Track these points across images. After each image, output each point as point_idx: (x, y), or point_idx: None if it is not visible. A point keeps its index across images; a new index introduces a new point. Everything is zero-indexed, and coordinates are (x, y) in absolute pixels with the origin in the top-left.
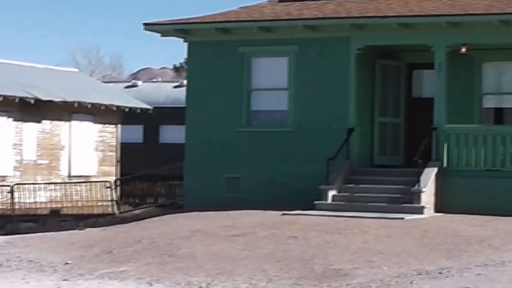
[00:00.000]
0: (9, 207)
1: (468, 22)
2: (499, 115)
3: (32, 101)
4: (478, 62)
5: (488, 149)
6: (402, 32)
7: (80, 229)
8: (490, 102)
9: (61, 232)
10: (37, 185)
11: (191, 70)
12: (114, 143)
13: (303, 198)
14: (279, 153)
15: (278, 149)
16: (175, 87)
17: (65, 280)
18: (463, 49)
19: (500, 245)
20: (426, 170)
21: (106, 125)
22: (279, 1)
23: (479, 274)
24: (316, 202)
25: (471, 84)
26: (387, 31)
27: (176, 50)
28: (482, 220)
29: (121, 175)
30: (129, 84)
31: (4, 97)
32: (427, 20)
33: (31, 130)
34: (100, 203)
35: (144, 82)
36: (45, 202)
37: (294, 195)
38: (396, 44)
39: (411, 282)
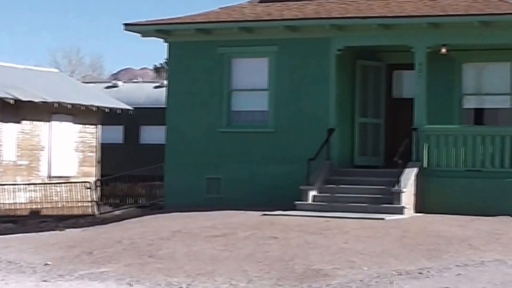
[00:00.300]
0: None
1: (448, 23)
2: (479, 115)
3: (12, 102)
4: (458, 63)
5: (468, 150)
6: (382, 32)
7: (60, 230)
8: (470, 103)
9: (41, 233)
10: (16, 186)
11: (171, 71)
12: (95, 144)
13: (283, 199)
14: (260, 154)
15: (259, 150)
16: (156, 87)
17: (45, 281)
18: (443, 50)
19: (480, 245)
20: (407, 170)
21: (86, 126)
22: (259, 2)
23: (459, 274)
24: (297, 202)
25: (451, 85)
26: (368, 31)
27: (157, 51)
28: (463, 220)
29: (102, 175)
30: (110, 84)
31: None
32: (407, 21)
33: (11, 131)
34: (80, 204)
35: (124, 82)
36: (25, 203)
37: (275, 195)
38: (377, 44)
39: (391, 283)
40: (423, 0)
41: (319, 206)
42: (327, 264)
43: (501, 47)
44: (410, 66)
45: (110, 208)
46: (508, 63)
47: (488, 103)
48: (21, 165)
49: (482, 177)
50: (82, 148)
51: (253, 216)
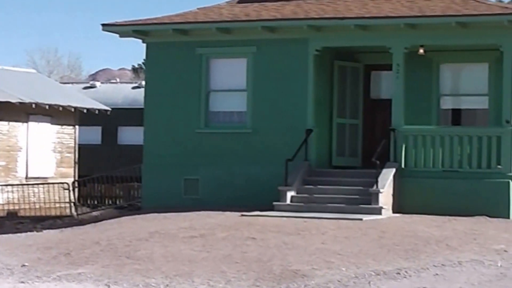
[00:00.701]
0: None
1: (425, 23)
2: (456, 116)
3: None
4: (436, 64)
5: (446, 150)
6: (360, 33)
7: (37, 231)
8: (447, 103)
9: (18, 234)
10: None
11: (149, 71)
12: (72, 145)
13: (262, 199)
14: (238, 154)
15: (237, 150)
16: (134, 88)
17: (22, 282)
18: (421, 51)
19: (457, 245)
20: (384, 171)
21: (64, 126)
22: (237, 2)
23: (437, 274)
24: (275, 203)
25: (429, 86)
26: (345, 32)
27: (135, 51)
28: (440, 220)
29: (79, 176)
30: (88, 85)
31: None
32: (385, 22)
33: None
34: (58, 205)
35: (102, 83)
36: (2, 204)
37: (253, 196)
38: (354, 45)
39: (369, 283)
40: (400, 1)
41: (297, 207)
42: (305, 265)
43: (479, 48)
44: (388, 67)
45: (88, 209)
46: (485, 64)
47: (466, 103)
48: None
49: (459, 178)
50: (60, 149)
51: (231, 217)
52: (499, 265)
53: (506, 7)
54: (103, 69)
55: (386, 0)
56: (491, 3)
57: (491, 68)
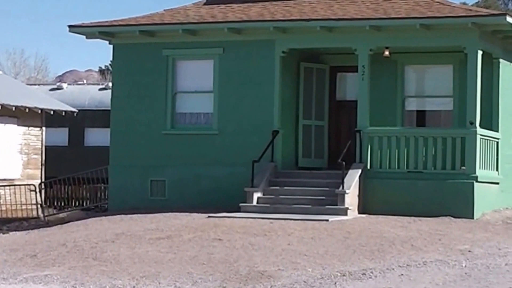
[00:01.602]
0: None
1: (390, 25)
2: (421, 117)
3: None
4: (401, 65)
5: (411, 151)
6: (326, 35)
7: (3, 233)
8: (412, 105)
9: None
10: None
11: (116, 73)
12: (39, 146)
13: (228, 201)
14: (205, 156)
15: (204, 152)
16: (101, 89)
17: None
18: (386, 52)
19: (422, 245)
20: (350, 172)
21: (31, 128)
22: (204, 4)
23: (402, 274)
24: (241, 204)
25: (394, 87)
26: (311, 34)
27: (102, 53)
28: (405, 221)
29: (46, 178)
30: (54, 86)
31: None
32: (350, 24)
33: None
34: (24, 207)
35: (69, 84)
36: None
37: (220, 197)
38: (320, 47)
39: (334, 283)
40: (365, 3)
41: (264, 208)
42: (271, 266)
43: (443, 50)
44: (354, 69)
45: (54, 211)
46: (450, 65)
47: (431, 105)
48: None
49: (424, 179)
50: (26, 151)
51: (198, 218)
52: (463, 265)
53: (470, 9)
54: (70, 71)
55: (351, 2)
56: (455, 5)
57: (455, 70)
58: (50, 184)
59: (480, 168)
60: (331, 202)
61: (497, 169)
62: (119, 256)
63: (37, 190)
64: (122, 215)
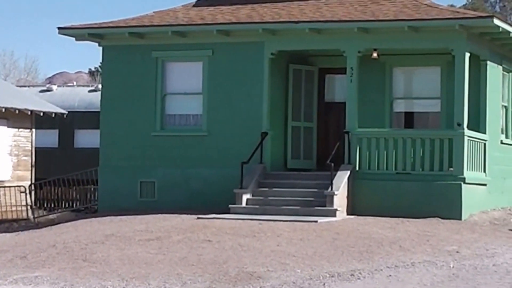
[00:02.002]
0: None
1: (378, 28)
2: (409, 119)
3: None
4: (389, 67)
5: (399, 153)
6: (314, 37)
7: None
8: (400, 106)
9: None
10: None
11: (105, 75)
12: (29, 148)
13: (218, 202)
14: (194, 157)
15: (193, 153)
16: (90, 91)
17: None
18: (374, 54)
19: (410, 246)
20: (339, 173)
21: (21, 130)
22: (193, 6)
23: (390, 275)
24: (231, 205)
25: (382, 89)
26: (300, 36)
27: (92, 54)
28: (393, 222)
29: (36, 179)
30: (44, 88)
31: None
32: (338, 26)
33: None
34: (14, 208)
35: (59, 86)
36: None
37: (209, 199)
38: (309, 49)
39: (323, 284)
40: (354, 5)
41: (253, 209)
42: (260, 267)
43: (431, 52)
44: (342, 70)
45: (44, 212)
46: (437, 67)
47: (418, 107)
48: None
49: (412, 180)
50: (16, 152)
51: (187, 219)
52: (451, 266)
53: (458, 12)
54: (60, 72)
55: (340, 5)
56: (443, 8)
57: (443, 72)
58: (40, 186)
59: (467, 169)
60: (320, 204)
61: (484, 171)
62: (108, 258)
63: (27, 191)
64: (112, 217)
